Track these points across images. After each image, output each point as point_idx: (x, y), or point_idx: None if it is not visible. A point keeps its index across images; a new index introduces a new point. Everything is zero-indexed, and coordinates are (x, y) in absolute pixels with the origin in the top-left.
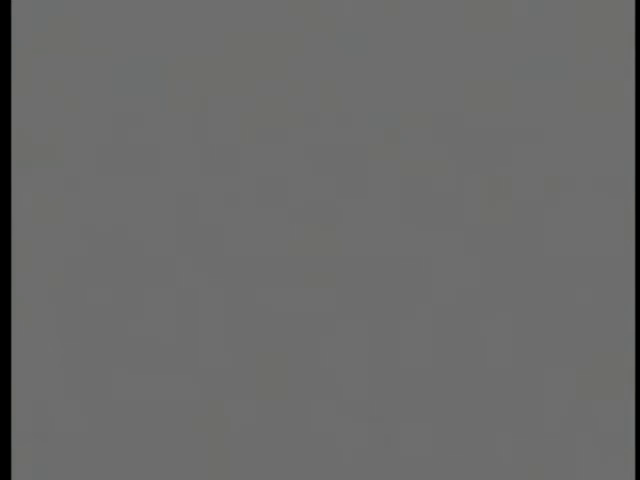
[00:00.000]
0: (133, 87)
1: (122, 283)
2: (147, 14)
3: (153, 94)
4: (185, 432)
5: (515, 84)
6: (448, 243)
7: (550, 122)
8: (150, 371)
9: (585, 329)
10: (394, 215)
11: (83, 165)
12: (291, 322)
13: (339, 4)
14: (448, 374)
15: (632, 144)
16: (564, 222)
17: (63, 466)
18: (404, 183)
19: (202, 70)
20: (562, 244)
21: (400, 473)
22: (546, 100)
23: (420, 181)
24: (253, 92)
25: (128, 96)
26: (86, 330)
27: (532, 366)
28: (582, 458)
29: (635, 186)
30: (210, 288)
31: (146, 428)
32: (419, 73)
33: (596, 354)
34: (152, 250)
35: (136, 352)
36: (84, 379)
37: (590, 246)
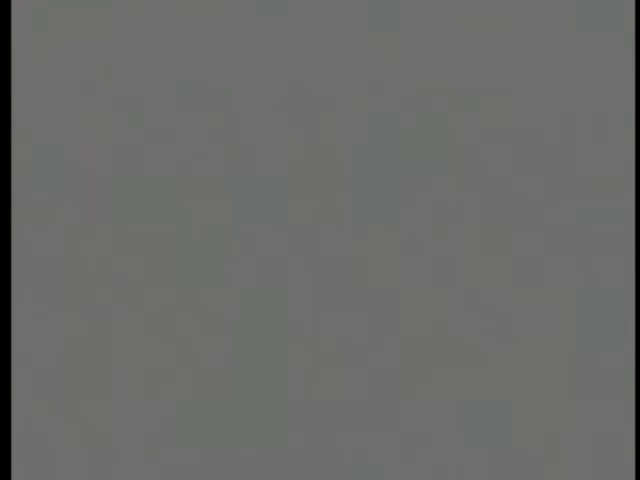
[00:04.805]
0: (134, 86)
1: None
2: (147, 14)
3: (155, 94)
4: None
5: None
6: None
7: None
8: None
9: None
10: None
11: (82, 166)
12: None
13: (339, 9)
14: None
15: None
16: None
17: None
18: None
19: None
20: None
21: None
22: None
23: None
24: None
25: (129, 95)
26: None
27: None
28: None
29: (635, 187)
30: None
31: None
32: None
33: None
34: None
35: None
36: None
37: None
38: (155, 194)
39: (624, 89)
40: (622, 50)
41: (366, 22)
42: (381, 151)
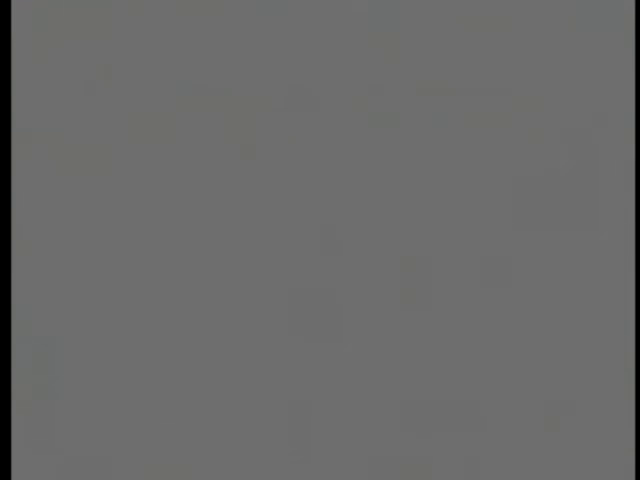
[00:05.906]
0: (136, 84)
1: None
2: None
3: (155, 94)
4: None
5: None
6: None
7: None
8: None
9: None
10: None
11: (81, 166)
12: None
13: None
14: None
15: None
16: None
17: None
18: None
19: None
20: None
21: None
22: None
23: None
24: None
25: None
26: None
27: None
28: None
29: (635, 189)
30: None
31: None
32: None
33: None
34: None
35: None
36: None
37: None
38: (154, 193)
39: (624, 89)
40: (622, 50)
41: (366, 22)
42: (380, 149)
